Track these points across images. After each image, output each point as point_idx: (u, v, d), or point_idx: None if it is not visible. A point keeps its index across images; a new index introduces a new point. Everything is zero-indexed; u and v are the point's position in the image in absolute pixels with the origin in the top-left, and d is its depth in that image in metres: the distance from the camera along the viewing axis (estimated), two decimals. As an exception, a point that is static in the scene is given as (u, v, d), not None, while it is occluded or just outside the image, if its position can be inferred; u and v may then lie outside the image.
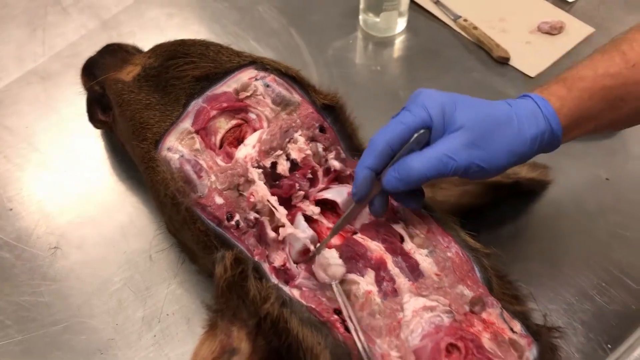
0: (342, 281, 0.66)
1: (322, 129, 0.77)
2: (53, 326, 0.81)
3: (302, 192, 0.74)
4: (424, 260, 0.68)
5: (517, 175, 0.85)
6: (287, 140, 0.76)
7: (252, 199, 0.72)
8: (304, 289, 0.67)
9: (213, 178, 0.73)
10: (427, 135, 0.65)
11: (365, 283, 0.65)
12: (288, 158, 0.75)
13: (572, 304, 0.80)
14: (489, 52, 1.09)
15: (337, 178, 0.78)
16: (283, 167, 0.75)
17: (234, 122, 0.78)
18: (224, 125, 0.77)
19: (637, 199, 0.90)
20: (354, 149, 0.79)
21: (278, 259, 0.71)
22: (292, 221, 0.73)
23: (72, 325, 0.81)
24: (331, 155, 0.77)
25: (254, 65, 0.80)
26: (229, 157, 0.75)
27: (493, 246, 0.72)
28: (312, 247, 0.69)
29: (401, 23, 1.12)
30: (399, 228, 0.70)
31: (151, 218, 0.91)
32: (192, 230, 0.72)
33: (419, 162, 0.64)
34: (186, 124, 0.76)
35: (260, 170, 0.74)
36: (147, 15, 1.18)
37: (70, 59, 1.10)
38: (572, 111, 0.66)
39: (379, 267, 0.66)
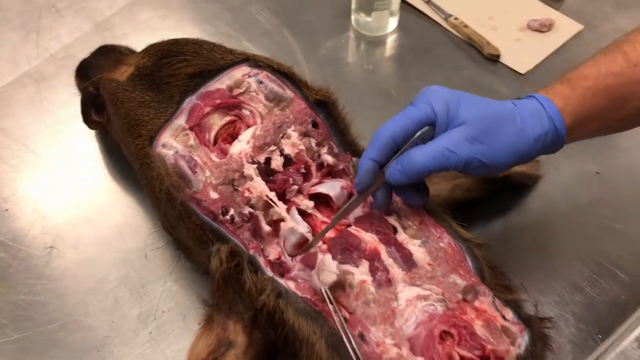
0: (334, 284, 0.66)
1: (314, 125, 0.78)
2: (49, 324, 0.82)
3: (295, 187, 0.75)
4: (417, 250, 0.68)
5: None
6: (281, 135, 0.76)
7: (248, 195, 0.73)
8: (299, 280, 0.68)
9: (208, 173, 0.73)
10: (431, 132, 0.66)
11: (360, 273, 0.66)
12: (282, 153, 0.76)
13: (563, 296, 0.81)
14: (479, 49, 1.10)
15: (330, 172, 0.78)
16: (277, 162, 0.75)
17: (227, 118, 0.79)
18: (217, 121, 0.78)
19: (626, 192, 0.91)
20: (347, 143, 0.81)
21: (273, 252, 0.72)
22: (286, 216, 0.74)
23: (68, 323, 0.82)
24: (324, 150, 0.78)
25: (247, 62, 0.81)
26: (223, 153, 0.76)
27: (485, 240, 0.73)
28: (310, 237, 0.71)
29: (392, 22, 1.13)
30: (392, 220, 0.71)
31: (146, 217, 0.91)
32: (187, 225, 0.73)
33: (421, 155, 0.65)
34: (180, 120, 0.77)
35: (255, 166, 0.74)
36: (140, 17, 1.18)
37: (64, 61, 1.11)
38: (575, 110, 0.66)
39: (373, 257, 0.67)
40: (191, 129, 0.77)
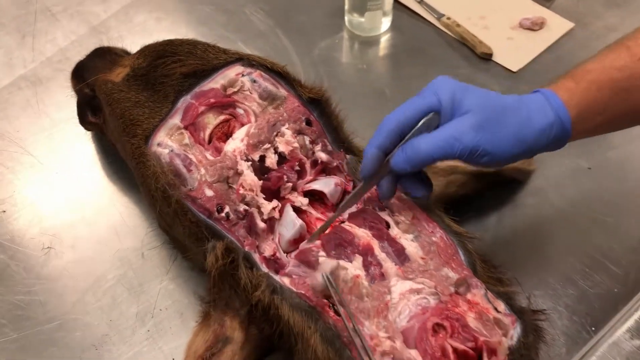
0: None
1: (308, 122, 0.79)
2: (48, 324, 0.82)
3: (290, 184, 0.76)
4: (410, 244, 0.69)
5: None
6: (275, 133, 0.77)
7: (241, 190, 0.73)
8: (294, 276, 0.68)
9: (203, 171, 0.74)
10: (437, 119, 0.66)
11: (353, 268, 0.67)
12: (276, 151, 0.77)
13: (556, 289, 0.82)
14: (472, 48, 1.11)
15: (324, 170, 0.79)
16: (271, 160, 0.76)
17: (222, 117, 0.79)
18: (212, 120, 0.79)
19: (617, 186, 0.92)
20: (340, 141, 0.81)
21: (268, 249, 0.73)
22: (281, 213, 0.75)
23: (66, 322, 0.83)
24: (318, 147, 0.79)
25: (241, 61, 0.82)
26: (218, 151, 0.77)
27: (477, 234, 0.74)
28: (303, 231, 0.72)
29: (386, 22, 1.14)
30: (385, 215, 0.72)
31: (143, 217, 0.92)
32: (183, 223, 0.74)
33: (425, 143, 0.65)
34: (175, 119, 0.78)
35: (249, 164, 0.75)
36: (136, 20, 1.19)
37: (60, 64, 1.12)
38: (580, 103, 0.67)
39: (366, 252, 0.68)
40: (186, 128, 0.78)
